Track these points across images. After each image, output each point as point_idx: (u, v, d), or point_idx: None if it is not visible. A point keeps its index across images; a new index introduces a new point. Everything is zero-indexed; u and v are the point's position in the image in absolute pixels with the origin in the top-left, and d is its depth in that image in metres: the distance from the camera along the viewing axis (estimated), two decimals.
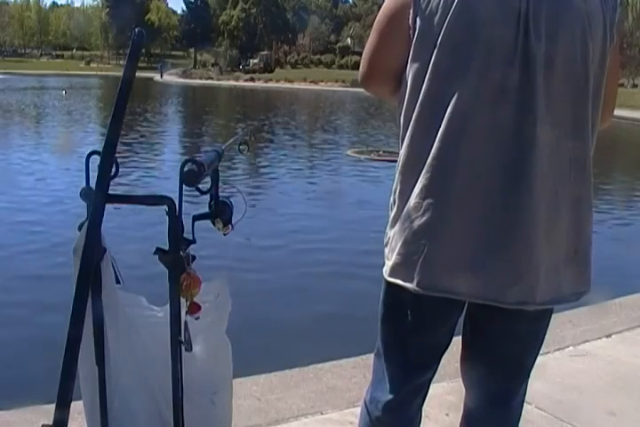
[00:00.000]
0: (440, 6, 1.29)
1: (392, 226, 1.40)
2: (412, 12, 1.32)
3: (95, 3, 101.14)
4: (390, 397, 1.50)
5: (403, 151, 1.37)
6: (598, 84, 1.35)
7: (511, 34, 1.26)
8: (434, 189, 1.32)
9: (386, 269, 1.42)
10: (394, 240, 1.39)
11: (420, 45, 1.32)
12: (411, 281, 1.35)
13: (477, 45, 1.27)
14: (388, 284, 1.42)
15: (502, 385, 1.53)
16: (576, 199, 1.36)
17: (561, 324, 3.28)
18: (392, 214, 1.41)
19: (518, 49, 1.26)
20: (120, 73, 1.33)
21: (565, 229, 1.35)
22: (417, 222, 1.34)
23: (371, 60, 1.43)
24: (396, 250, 1.38)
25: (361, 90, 1.56)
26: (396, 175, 1.40)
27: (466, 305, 1.44)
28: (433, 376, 1.54)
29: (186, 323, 1.37)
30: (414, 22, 1.32)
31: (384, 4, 1.40)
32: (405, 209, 1.36)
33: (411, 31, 1.33)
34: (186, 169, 1.31)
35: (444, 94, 1.29)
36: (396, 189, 1.40)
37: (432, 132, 1.31)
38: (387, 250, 1.43)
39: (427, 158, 1.31)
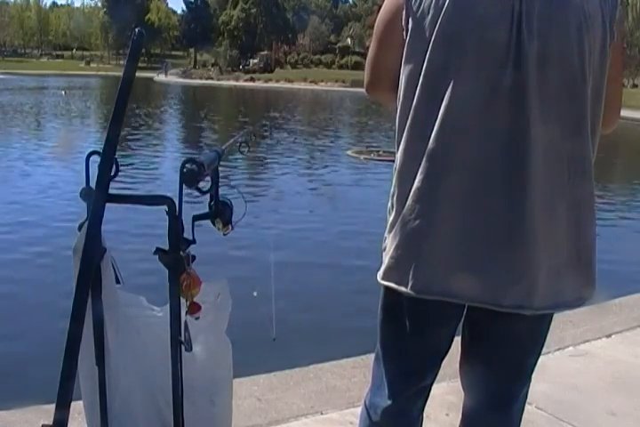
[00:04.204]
0: (432, 7, 1.28)
1: (390, 230, 1.39)
2: (404, 13, 1.32)
3: (95, 3, 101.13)
4: (389, 402, 1.48)
5: (399, 155, 1.36)
6: (598, 83, 1.33)
7: (505, 33, 1.25)
8: (427, 191, 1.30)
9: (379, 273, 1.41)
10: (389, 244, 1.38)
11: (413, 47, 1.31)
12: (404, 285, 1.34)
13: (470, 45, 1.27)
14: (386, 288, 1.41)
15: (502, 388, 1.50)
16: (576, 200, 1.34)
17: (561, 324, 3.28)
18: (390, 219, 1.39)
19: (512, 48, 1.25)
20: (120, 73, 1.33)
21: (566, 231, 1.33)
22: (410, 225, 1.33)
23: (373, 67, 1.43)
24: (390, 253, 1.37)
25: (361, 90, 1.56)
26: (393, 179, 1.39)
27: (465, 308, 1.42)
28: (433, 381, 1.52)
29: (186, 323, 1.37)
30: (407, 24, 1.32)
31: (381, 9, 1.40)
32: (402, 213, 1.34)
33: (404, 33, 1.32)
34: (186, 169, 1.31)
35: (437, 95, 1.28)
36: (393, 194, 1.38)
37: (426, 133, 1.30)
38: (383, 254, 1.41)
39: (421, 161, 1.30)
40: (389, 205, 1.41)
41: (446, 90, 1.27)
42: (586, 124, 1.32)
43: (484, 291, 1.31)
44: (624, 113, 1.50)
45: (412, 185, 1.32)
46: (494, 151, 1.28)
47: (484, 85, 1.27)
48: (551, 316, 1.45)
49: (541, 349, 1.51)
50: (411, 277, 1.33)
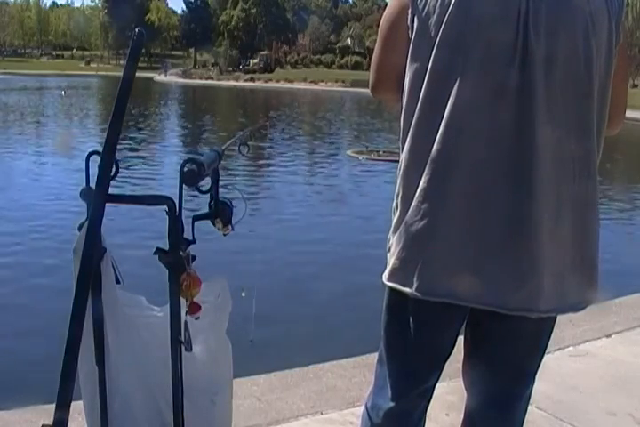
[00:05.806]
0: (437, 6, 1.28)
1: (394, 231, 1.38)
2: (410, 12, 1.31)
3: (94, 3, 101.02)
4: (392, 404, 1.47)
5: (403, 155, 1.36)
6: (604, 84, 1.32)
7: (510, 34, 1.25)
8: (432, 191, 1.30)
9: (385, 274, 1.40)
10: (394, 245, 1.38)
11: (418, 46, 1.31)
12: (410, 286, 1.33)
13: (476, 45, 1.26)
14: (391, 289, 1.41)
15: (505, 389, 1.50)
16: (581, 202, 1.33)
17: (561, 324, 3.23)
18: (394, 220, 1.39)
19: (518, 49, 1.25)
20: (120, 73, 1.32)
21: (570, 233, 1.32)
22: (415, 226, 1.32)
23: (378, 67, 1.43)
24: (395, 254, 1.36)
25: (360, 90, 1.56)
26: (398, 180, 1.38)
27: (469, 309, 1.40)
28: (436, 382, 1.51)
29: (186, 323, 1.37)
30: (412, 23, 1.31)
31: (386, 9, 1.39)
32: (407, 214, 1.34)
33: (409, 32, 1.32)
34: (186, 169, 1.31)
35: (442, 95, 1.28)
36: (398, 194, 1.38)
37: (432, 134, 1.29)
38: (388, 255, 1.41)
39: (427, 161, 1.30)
40: (394, 205, 1.40)
41: (451, 90, 1.27)
42: (592, 125, 1.31)
43: (489, 293, 1.30)
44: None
45: (418, 186, 1.31)
46: (500, 152, 1.27)
47: (490, 85, 1.26)
48: (555, 317, 1.44)
49: (545, 350, 1.50)
50: (416, 278, 1.32)
